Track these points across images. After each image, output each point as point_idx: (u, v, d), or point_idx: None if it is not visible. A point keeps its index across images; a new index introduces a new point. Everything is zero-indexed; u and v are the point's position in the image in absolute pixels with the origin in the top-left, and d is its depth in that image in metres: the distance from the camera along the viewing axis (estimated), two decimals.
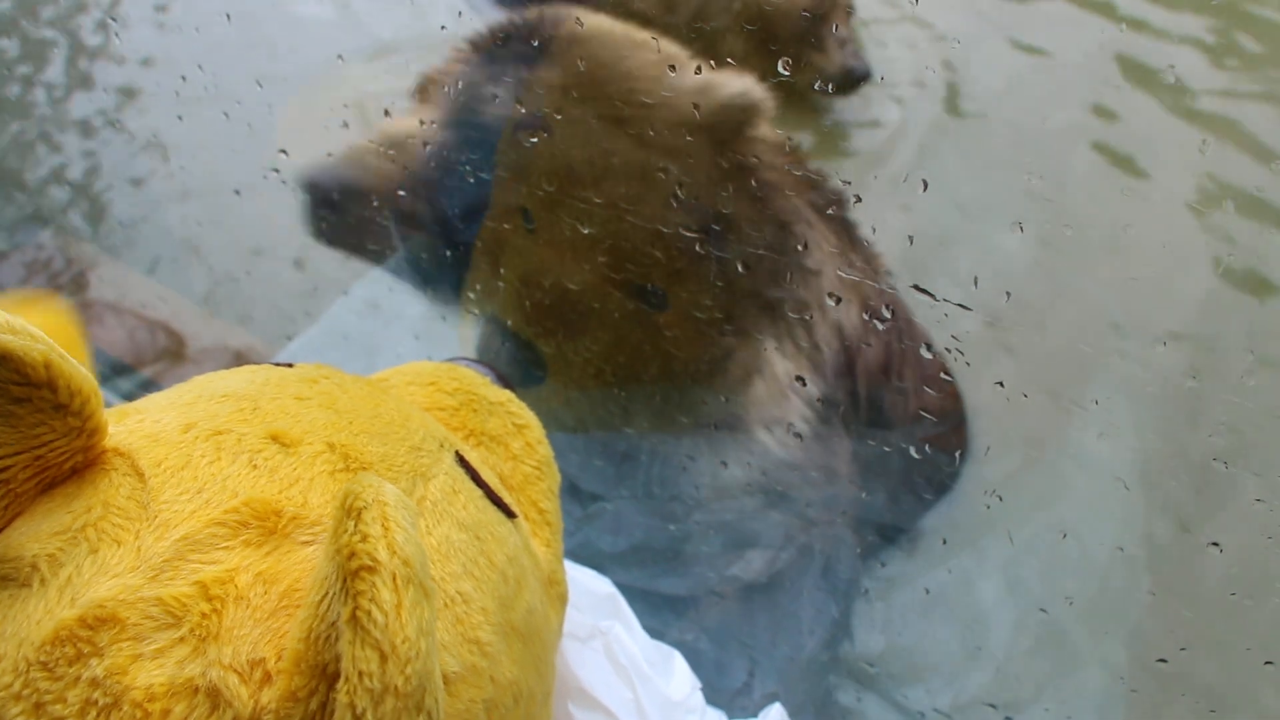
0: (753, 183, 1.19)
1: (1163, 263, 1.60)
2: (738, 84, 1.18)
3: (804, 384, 1.29)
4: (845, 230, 1.31)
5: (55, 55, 2.15)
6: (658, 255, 1.19)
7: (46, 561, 0.51)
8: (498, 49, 1.23)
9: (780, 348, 1.28)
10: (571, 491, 1.32)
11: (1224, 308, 1.58)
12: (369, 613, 0.42)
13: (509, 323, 1.38)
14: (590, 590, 0.93)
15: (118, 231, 1.92)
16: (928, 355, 1.32)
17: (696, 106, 1.15)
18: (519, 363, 1.33)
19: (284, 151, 1.62)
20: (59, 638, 0.48)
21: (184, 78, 1.73)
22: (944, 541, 1.39)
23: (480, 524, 0.64)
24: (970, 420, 1.43)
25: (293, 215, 1.85)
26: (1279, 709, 1.22)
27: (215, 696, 0.47)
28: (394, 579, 0.43)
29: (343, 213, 1.26)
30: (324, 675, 0.45)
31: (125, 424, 0.59)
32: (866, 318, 1.31)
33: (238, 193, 1.78)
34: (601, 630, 0.87)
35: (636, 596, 0.95)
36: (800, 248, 1.22)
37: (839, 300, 1.29)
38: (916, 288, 1.24)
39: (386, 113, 1.83)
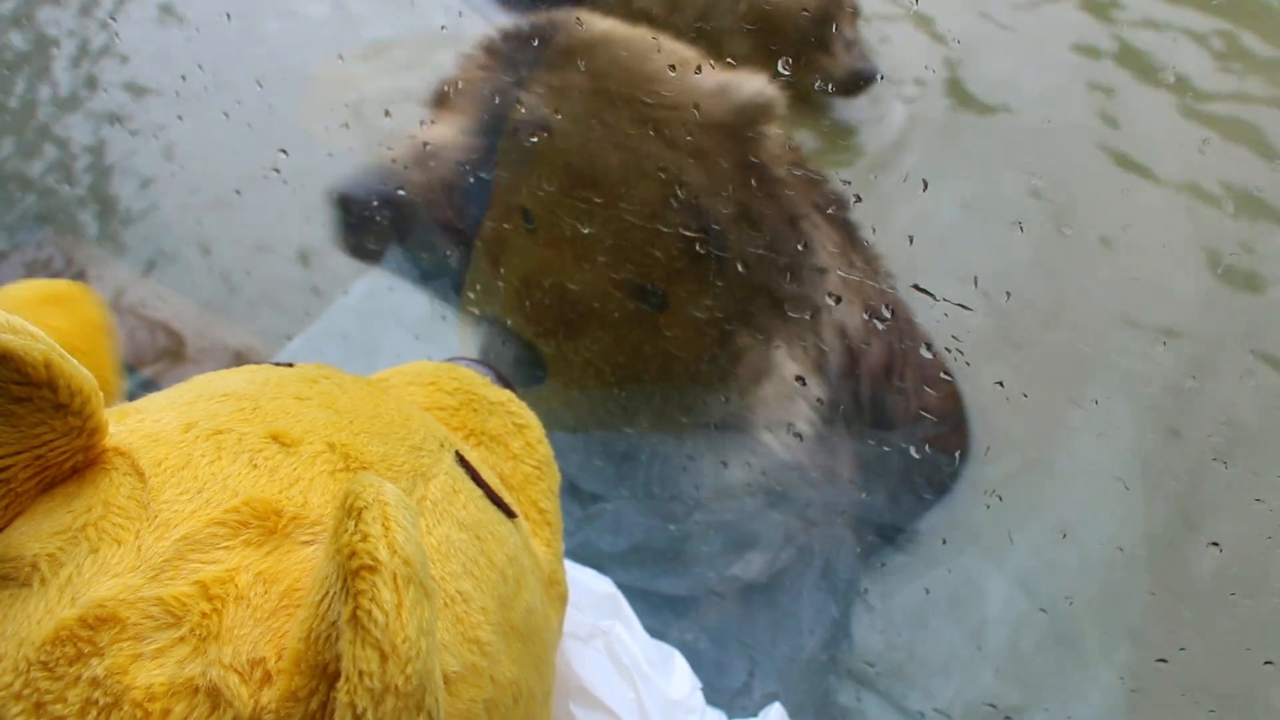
0: (762, 183, 1.20)
1: (1162, 262, 1.60)
2: (753, 84, 1.19)
3: (807, 385, 1.29)
4: (847, 231, 1.31)
5: (55, 55, 2.15)
6: (657, 255, 1.19)
7: (47, 561, 0.51)
8: (516, 54, 1.22)
9: (785, 349, 1.28)
10: (572, 491, 1.32)
11: (1224, 307, 1.58)
12: (369, 612, 0.42)
13: (509, 323, 1.38)
14: (591, 590, 0.93)
15: (118, 231, 1.92)
16: (928, 356, 1.33)
17: (700, 107, 1.16)
18: (522, 363, 1.33)
19: (284, 151, 1.62)
20: (59, 637, 0.48)
21: (184, 77, 1.73)
22: (944, 541, 1.39)
23: (480, 524, 0.64)
24: (970, 420, 1.43)
25: (293, 214, 1.85)
26: (1279, 709, 1.22)
27: (215, 696, 0.47)
28: (394, 578, 0.43)
29: (377, 225, 1.24)
30: (324, 675, 0.45)
31: (125, 423, 0.59)
32: (868, 319, 1.31)
33: (238, 192, 1.78)
34: (602, 630, 0.87)
35: (637, 596, 0.95)
36: (805, 248, 1.22)
37: (842, 301, 1.30)
38: (916, 288, 1.24)
39: (387, 113, 1.83)
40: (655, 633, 0.95)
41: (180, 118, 1.86)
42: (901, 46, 2.09)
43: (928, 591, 1.36)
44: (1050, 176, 1.54)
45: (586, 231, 1.21)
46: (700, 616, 1.28)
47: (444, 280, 1.37)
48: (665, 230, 1.17)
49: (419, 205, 1.23)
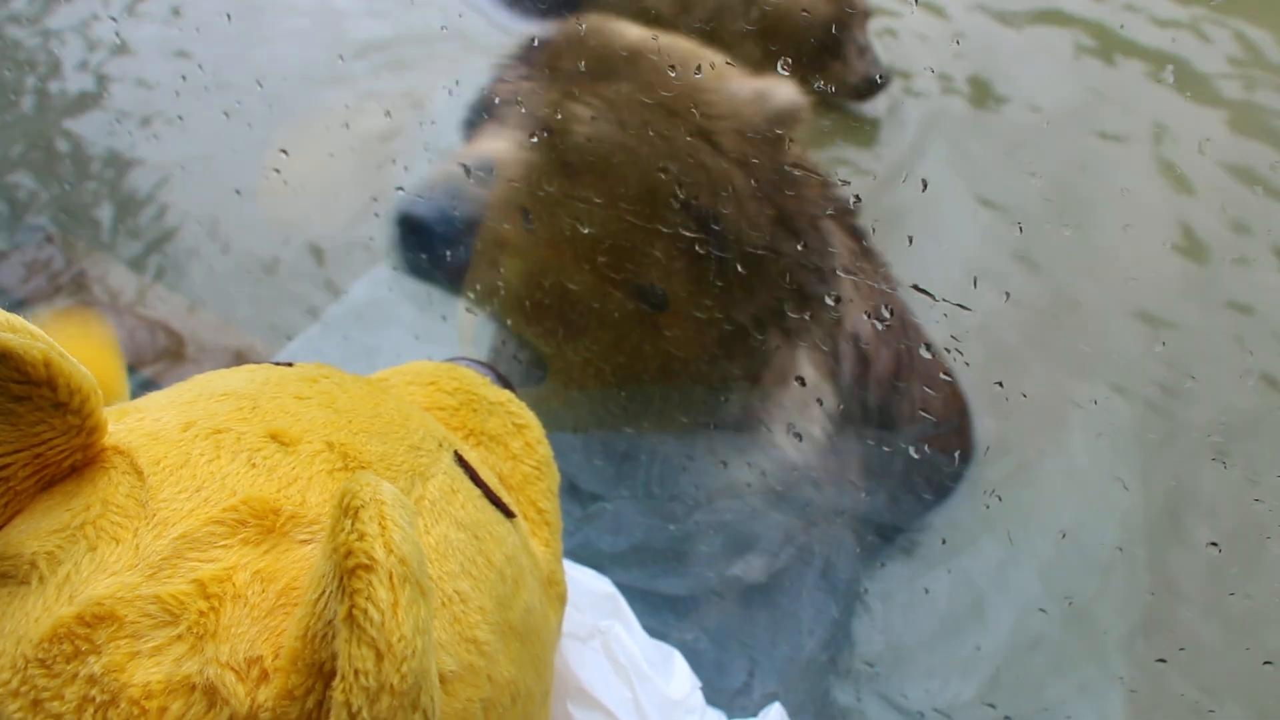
0: (791, 187, 1.20)
1: (1163, 263, 1.60)
2: (785, 90, 1.20)
3: (814, 388, 1.29)
4: (857, 237, 1.31)
5: (55, 55, 2.16)
6: (674, 259, 1.20)
7: (45, 559, 0.51)
8: (559, 63, 1.21)
9: (800, 352, 1.28)
10: (571, 491, 1.32)
11: (1224, 308, 1.58)
12: (365, 611, 0.42)
13: (508, 323, 1.38)
14: (590, 590, 0.92)
15: (118, 231, 1.92)
16: (930, 358, 1.33)
17: (740, 115, 1.17)
18: (536, 363, 1.32)
19: (284, 151, 1.62)
20: (57, 635, 0.48)
21: (184, 78, 1.73)
22: (944, 541, 1.39)
23: (478, 523, 0.64)
24: (973, 422, 1.43)
25: (292, 214, 1.85)
26: (1279, 709, 1.22)
27: (212, 694, 0.47)
28: (390, 577, 0.43)
29: (441, 243, 1.22)
30: (321, 673, 0.45)
31: (125, 422, 0.59)
32: (879, 325, 1.32)
33: (238, 193, 1.78)
34: (601, 630, 0.87)
35: (636, 596, 0.95)
36: (822, 253, 1.22)
37: (854, 306, 1.30)
38: (916, 288, 1.25)
39: (387, 114, 1.83)
40: (655, 633, 0.95)
41: (180, 118, 1.86)
42: (902, 47, 2.09)
43: (927, 591, 1.36)
44: (1050, 177, 1.54)
45: (586, 231, 1.21)
46: (700, 616, 1.28)
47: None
48: (701, 236, 1.17)
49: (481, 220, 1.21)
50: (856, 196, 1.29)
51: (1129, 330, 1.54)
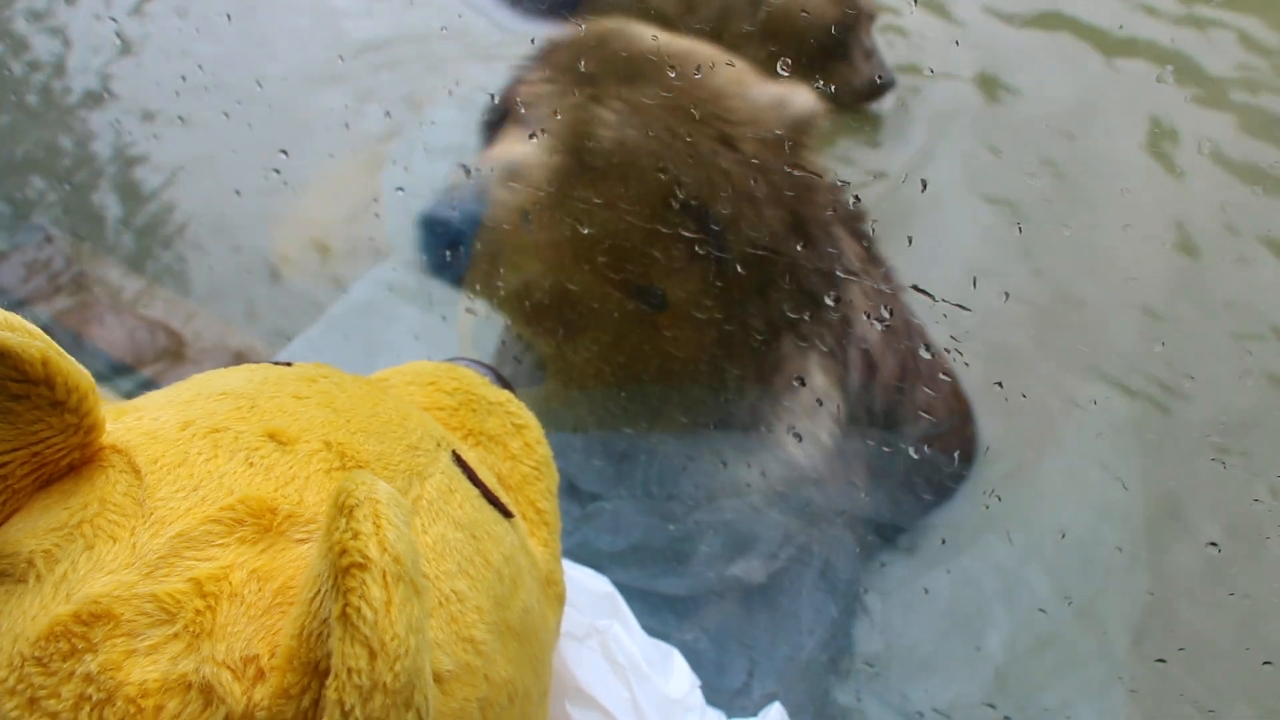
0: (808, 193, 1.21)
1: (1162, 262, 1.60)
2: (805, 97, 1.20)
3: (828, 394, 1.29)
4: (863, 242, 1.31)
5: (55, 55, 2.16)
6: (690, 262, 1.20)
7: (43, 557, 0.51)
8: (583, 66, 1.21)
9: (811, 359, 1.29)
10: (570, 491, 1.32)
11: (1223, 308, 1.58)
12: (358, 609, 0.43)
13: (507, 323, 1.38)
14: (588, 590, 0.93)
15: (118, 232, 1.92)
16: (933, 362, 1.33)
17: (761, 121, 1.17)
18: (539, 364, 1.32)
19: (284, 152, 1.63)
20: (54, 633, 0.48)
21: (184, 78, 1.73)
22: (943, 541, 1.39)
23: (476, 523, 0.64)
24: (976, 425, 1.43)
25: (293, 215, 1.85)
26: (1278, 709, 1.21)
27: (208, 693, 0.48)
28: (384, 576, 0.43)
29: (464, 245, 1.22)
30: (316, 672, 0.45)
31: (123, 421, 0.60)
32: (883, 328, 1.32)
33: (238, 193, 1.78)
34: (599, 629, 0.87)
35: (635, 596, 0.95)
36: (834, 259, 1.23)
37: (862, 312, 1.30)
38: (916, 288, 1.25)
39: (387, 114, 1.83)
40: (654, 633, 0.95)
41: (181, 118, 1.86)
42: (901, 47, 2.09)
43: (927, 591, 1.36)
44: (1049, 177, 1.54)
45: (590, 232, 1.21)
46: (699, 616, 1.28)
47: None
48: (716, 240, 1.17)
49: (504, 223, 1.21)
50: (856, 197, 1.29)
51: (1129, 330, 1.53)
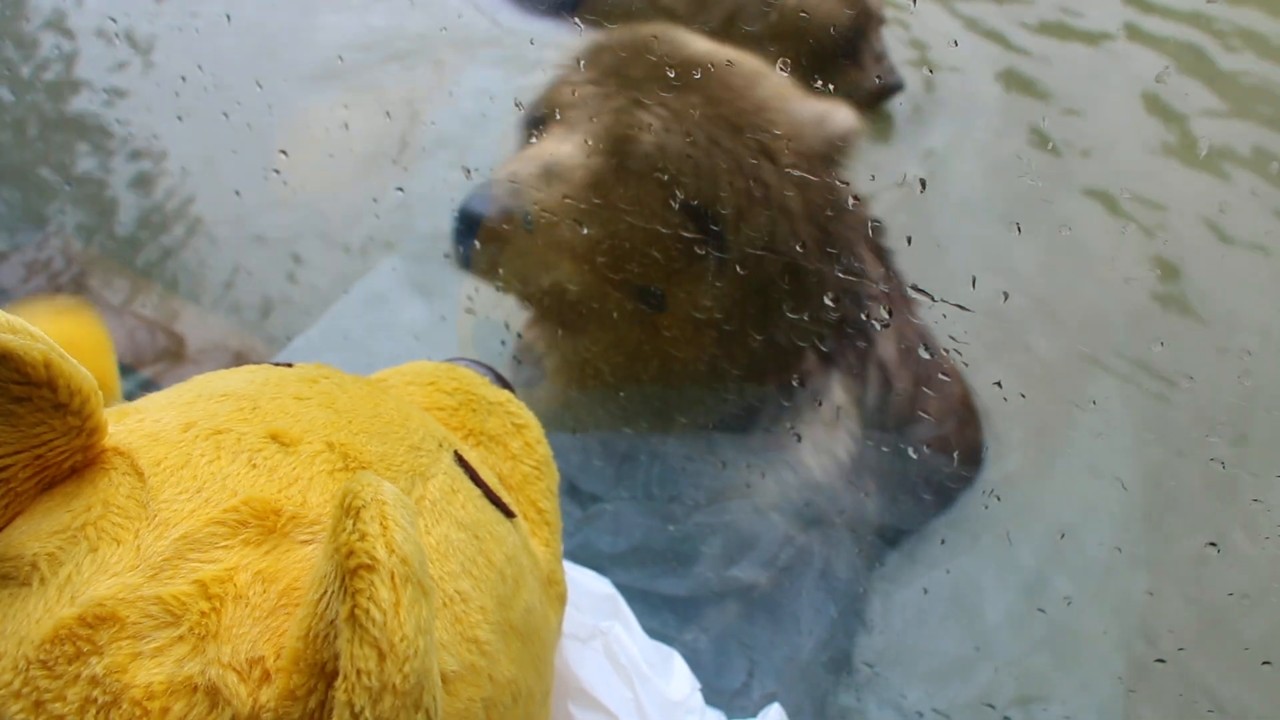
0: (839, 210, 1.21)
1: (1161, 262, 1.60)
2: (844, 115, 1.21)
3: (847, 410, 1.30)
4: (884, 258, 1.32)
5: (55, 55, 2.16)
6: (719, 272, 1.20)
7: (46, 560, 0.51)
8: (627, 69, 1.21)
9: (832, 374, 1.29)
10: (571, 492, 1.32)
11: (1222, 308, 1.58)
12: (367, 611, 0.42)
13: (506, 324, 1.38)
14: (590, 591, 0.93)
15: (117, 232, 1.92)
16: (939, 367, 1.33)
17: (802, 136, 1.18)
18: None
19: (284, 152, 1.63)
20: (59, 636, 0.48)
21: (184, 78, 1.73)
22: (943, 541, 1.39)
23: (479, 523, 0.64)
24: (984, 430, 1.43)
25: (292, 214, 1.85)
26: (1277, 710, 1.22)
27: (214, 695, 0.47)
28: (392, 577, 0.43)
29: (499, 241, 1.22)
30: (322, 673, 0.45)
31: (125, 423, 0.59)
32: (903, 347, 1.32)
33: (238, 193, 1.78)
34: (602, 630, 0.87)
35: (636, 597, 0.95)
36: (861, 277, 1.23)
37: (883, 330, 1.30)
38: (915, 288, 1.25)
39: (387, 114, 1.83)
40: (655, 634, 0.95)
41: (180, 118, 1.86)
42: (901, 47, 2.09)
43: (926, 591, 1.36)
44: (1048, 177, 1.54)
45: (586, 231, 1.21)
46: (699, 617, 1.28)
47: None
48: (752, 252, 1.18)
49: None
50: (855, 197, 1.29)
51: (1128, 330, 1.54)
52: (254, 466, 0.57)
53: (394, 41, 2.09)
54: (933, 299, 1.21)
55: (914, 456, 1.30)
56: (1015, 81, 1.95)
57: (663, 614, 1.26)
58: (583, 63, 1.26)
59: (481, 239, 1.22)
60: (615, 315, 1.27)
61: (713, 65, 1.19)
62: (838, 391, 1.29)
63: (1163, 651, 1.25)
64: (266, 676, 0.48)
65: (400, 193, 1.82)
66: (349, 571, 0.43)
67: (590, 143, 1.20)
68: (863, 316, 1.26)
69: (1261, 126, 1.78)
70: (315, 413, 0.63)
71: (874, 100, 1.99)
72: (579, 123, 1.22)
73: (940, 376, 1.33)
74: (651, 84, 1.19)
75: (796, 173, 1.17)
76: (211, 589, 0.50)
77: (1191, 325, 1.55)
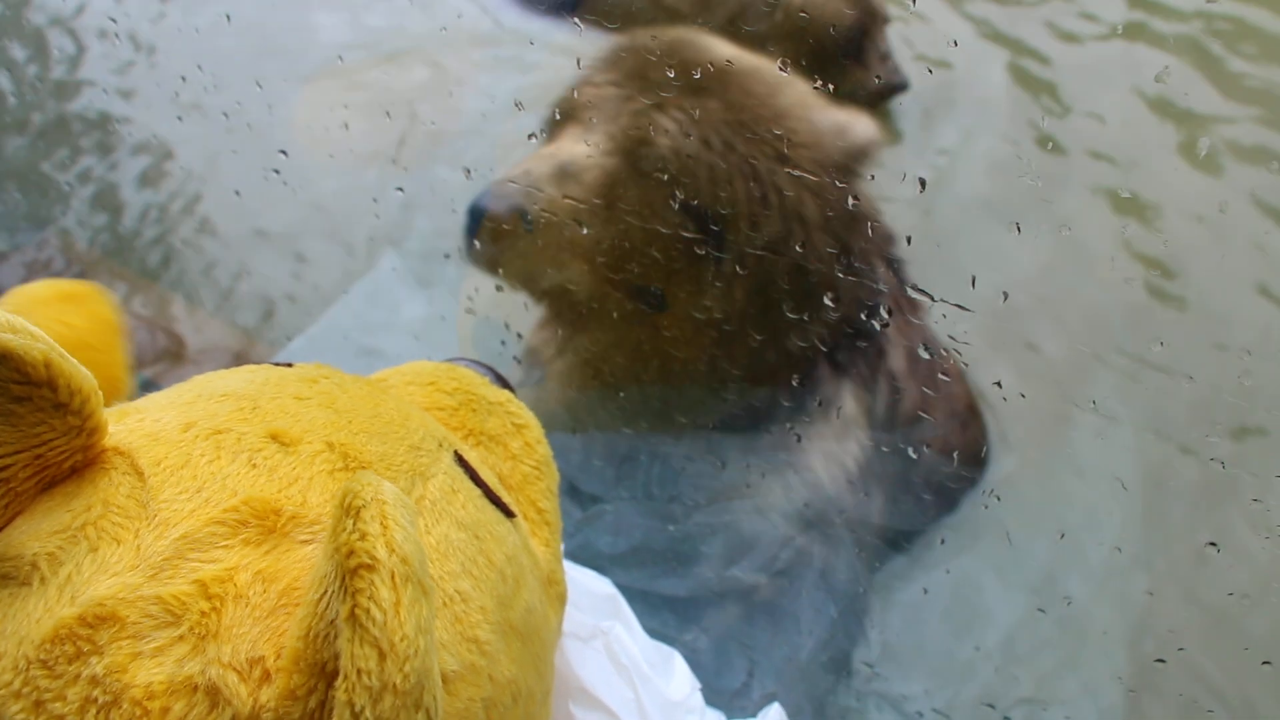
0: (856, 221, 1.21)
1: (1160, 263, 1.60)
2: (865, 126, 1.21)
3: (857, 420, 1.30)
4: (897, 269, 1.32)
5: (55, 55, 2.16)
6: (733, 279, 1.20)
7: (46, 560, 0.51)
8: (649, 73, 1.21)
9: (845, 384, 1.29)
10: (571, 492, 1.32)
11: (1222, 307, 1.58)
12: (367, 610, 0.42)
13: (507, 324, 1.38)
14: (591, 591, 0.93)
15: (117, 232, 1.92)
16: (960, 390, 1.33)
17: (822, 145, 1.18)
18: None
19: (284, 152, 1.63)
20: (59, 636, 0.48)
21: (184, 78, 1.73)
22: (942, 541, 1.39)
23: (479, 523, 0.64)
24: (989, 435, 1.43)
25: (292, 215, 1.85)
26: (1277, 709, 1.22)
27: (214, 694, 0.48)
28: (392, 577, 0.43)
29: (508, 238, 1.23)
30: (323, 673, 0.45)
31: (125, 423, 0.59)
32: (913, 357, 1.32)
33: (238, 193, 1.78)
34: (602, 630, 0.87)
35: (636, 597, 0.95)
36: (874, 287, 1.23)
37: (894, 340, 1.31)
38: (915, 288, 1.25)
39: (388, 114, 1.83)
40: (655, 634, 0.95)
41: (180, 118, 1.86)
42: (900, 47, 2.09)
43: (926, 591, 1.36)
44: (1048, 178, 1.54)
45: (587, 231, 1.21)
46: (700, 617, 1.28)
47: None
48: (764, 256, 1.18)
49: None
50: (855, 197, 1.29)
51: (1128, 330, 1.54)
52: (254, 466, 0.57)
53: (394, 41, 2.09)
54: (932, 299, 1.21)
55: (916, 458, 1.30)
56: (1016, 81, 1.95)
57: (663, 614, 1.26)
58: (605, 65, 1.26)
59: (487, 236, 1.22)
60: (616, 315, 1.27)
61: (735, 72, 1.19)
62: (850, 403, 1.29)
63: (1163, 651, 1.25)
64: (267, 676, 0.48)
65: (400, 193, 1.82)
66: (349, 571, 0.43)
67: (605, 143, 1.20)
68: (877, 327, 1.26)
69: (1262, 126, 1.78)
70: (315, 413, 0.63)
71: (879, 99, 1.99)
72: (597, 124, 1.23)
73: (942, 377, 1.33)
74: (671, 88, 1.19)
75: (812, 179, 1.17)
76: (211, 589, 0.50)
77: (1191, 325, 1.55)
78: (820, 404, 1.29)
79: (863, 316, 1.25)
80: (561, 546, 0.81)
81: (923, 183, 1.28)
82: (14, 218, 1.95)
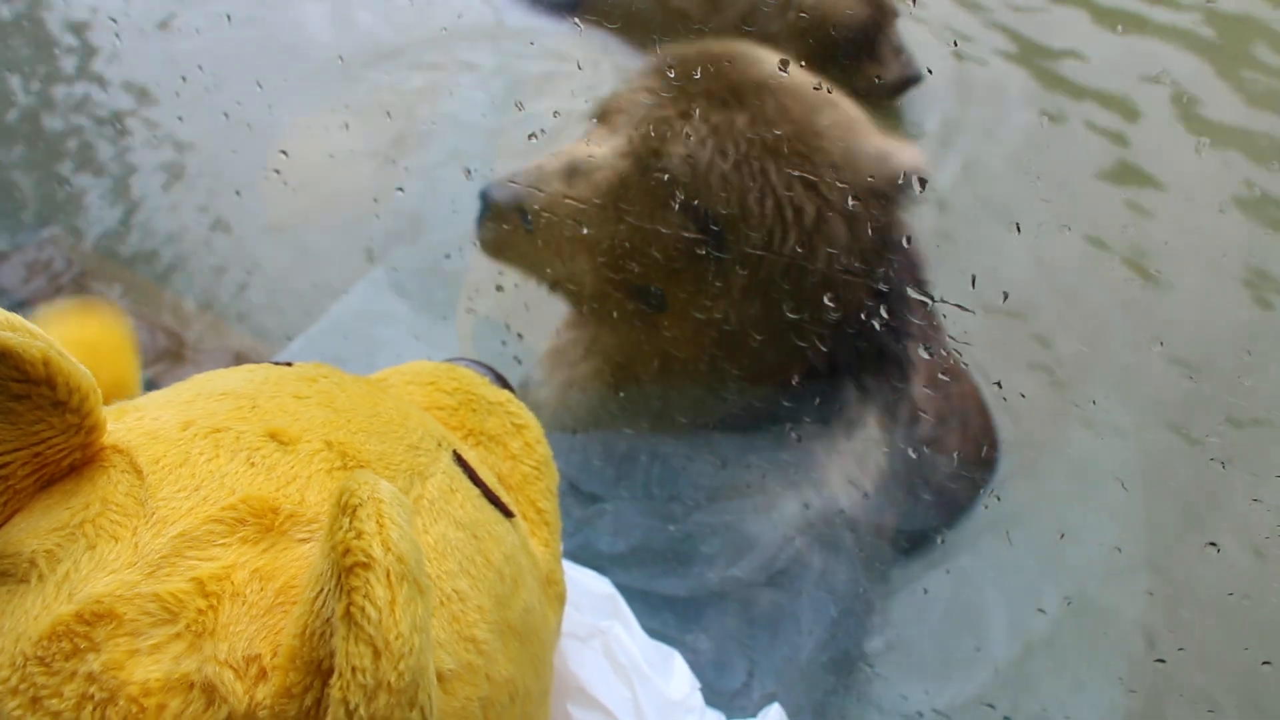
0: (891, 250, 1.20)
1: (1160, 262, 1.60)
2: (910, 155, 1.19)
3: (878, 441, 1.30)
4: (924, 289, 1.31)
5: (55, 55, 2.16)
6: (746, 295, 1.20)
7: (45, 557, 0.51)
8: (683, 83, 1.20)
9: (869, 408, 1.29)
10: (571, 492, 1.32)
11: (1222, 307, 1.58)
12: (363, 609, 0.43)
13: (507, 325, 1.38)
14: (590, 590, 0.93)
15: (117, 232, 1.93)
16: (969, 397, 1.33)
17: (861, 170, 1.17)
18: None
19: (284, 152, 1.63)
20: (56, 633, 0.48)
21: (184, 78, 1.73)
22: (943, 541, 1.39)
23: (477, 523, 0.64)
24: (999, 442, 1.43)
25: (292, 214, 1.85)
26: (1277, 709, 1.22)
27: (211, 692, 0.48)
28: (388, 575, 0.43)
29: (515, 227, 1.25)
30: (319, 671, 0.45)
31: (124, 421, 0.60)
32: (932, 381, 1.32)
33: (238, 193, 1.79)
34: (601, 630, 0.87)
35: (636, 597, 0.95)
36: (902, 308, 1.23)
37: (919, 366, 1.30)
38: (914, 288, 1.24)
39: (388, 114, 1.83)
40: (654, 633, 0.95)
41: (180, 118, 1.86)
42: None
43: (926, 591, 1.36)
44: (1048, 177, 1.54)
45: (589, 234, 1.21)
46: (700, 617, 1.28)
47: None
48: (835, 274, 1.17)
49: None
50: (855, 197, 1.29)
51: (1127, 330, 1.54)
52: (252, 465, 0.57)
53: (394, 41, 2.09)
54: (932, 299, 1.21)
55: (915, 458, 1.30)
56: (1017, 80, 1.95)
57: (663, 614, 1.26)
58: (651, 71, 1.26)
59: (489, 229, 1.24)
60: (616, 315, 1.27)
61: (775, 88, 1.18)
62: (874, 428, 1.29)
63: (1163, 651, 1.25)
64: (263, 674, 0.48)
65: (400, 193, 1.82)
66: (345, 569, 0.43)
67: (622, 146, 1.21)
68: (904, 352, 1.25)
69: (1266, 123, 1.78)
70: (314, 411, 0.63)
71: (893, 92, 1.99)
72: (621, 127, 1.23)
73: (947, 379, 1.33)
74: (705, 99, 1.18)
75: (835, 199, 1.16)
76: (209, 586, 0.50)
77: (1192, 324, 1.55)
78: (846, 425, 1.29)
79: (894, 345, 1.24)
80: (561, 546, 0.81)
81: (923, 182, 1.27)
82: (14, 217, 1.95)
